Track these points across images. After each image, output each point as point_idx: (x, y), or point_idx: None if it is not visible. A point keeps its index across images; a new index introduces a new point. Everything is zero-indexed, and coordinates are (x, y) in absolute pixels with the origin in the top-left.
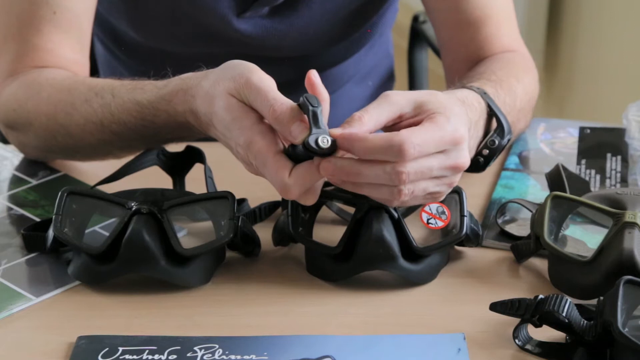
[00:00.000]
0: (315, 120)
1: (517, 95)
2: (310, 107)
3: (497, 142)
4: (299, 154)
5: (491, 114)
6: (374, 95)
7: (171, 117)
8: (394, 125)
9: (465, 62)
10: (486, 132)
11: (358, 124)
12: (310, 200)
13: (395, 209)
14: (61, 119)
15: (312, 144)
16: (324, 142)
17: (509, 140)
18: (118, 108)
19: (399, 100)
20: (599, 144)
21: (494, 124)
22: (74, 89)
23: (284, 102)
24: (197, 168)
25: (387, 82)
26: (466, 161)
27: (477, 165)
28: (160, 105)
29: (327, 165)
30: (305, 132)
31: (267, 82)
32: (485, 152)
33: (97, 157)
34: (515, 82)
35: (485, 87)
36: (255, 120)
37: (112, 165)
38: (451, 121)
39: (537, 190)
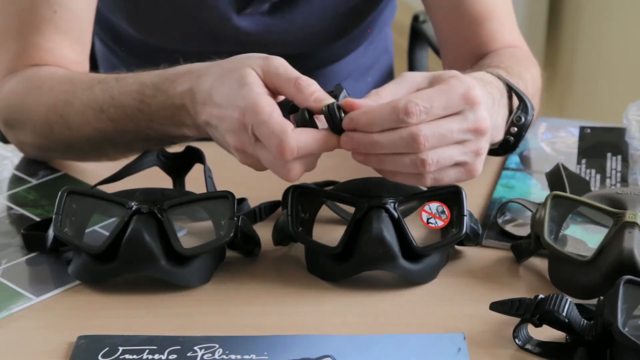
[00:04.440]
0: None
1: (527, 83)
2: (345, 91)
3: (523, 118)
4: (309, 122)
5: (510, 92)
6: None
7: (168, 99)
8: None
9: (468, 58)
10: (509, 111)
11: (375, 97)
12: (294, 172)
13: (395, 209)
14: (60, 108)
15: (336, 109)
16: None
17: (532, 117)
18: (120, 90)
19: (415, 77)
20: (599, 144)
21: (515, 102)
22: (77, 80)
23: (311, 79)
24: (197, 168)
25: (386, 79)
26: (486, 123)
27: (508, 145)
28: (163, 85)
29: (346, 139)
30: (330, 99)
31: (289, 65)
32: (514, 130)
33: (91, 154)
34: (524, 70)
35: (498, 71)
36: (266, 92)
37: (112, 165)
38: (464, 82)
39: (537, 190)
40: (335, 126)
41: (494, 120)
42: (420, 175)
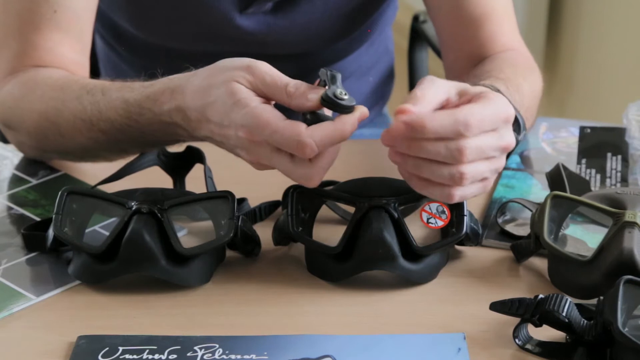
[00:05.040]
0: (333, 80)
1: (524, 94)
2: (329, 72)
3: (515, 137)
4: (315, 119)
5: None
6: (374, 91)
7: (156, 117)
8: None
9: (468, 59)
10: None
11: (422, 101)
12: (316, 179)
13: (395, 209)
14: (52, 116)
15: (331, 95)
16: (342, 94)
17: (524, 136)
18: (106, 105)
19: (444, 84)
20: (599, 144)
21: None
22: (67, 87)
23: (298, 80)
24: (197, 168)
25: (387, 78)
26: (513, 142)
27: None
28: (146, 103)
29: (387, 135)
30: (322, 90)
31: (274, 69)
32: None
33: (88, 159)
34: (522, 80)
35: (497, 84)
36: (261, 102)
37: (112, 165)
38: (501, 99)
39: (538, 190)
40: (341, 108)
41: None
42: (450, 188)
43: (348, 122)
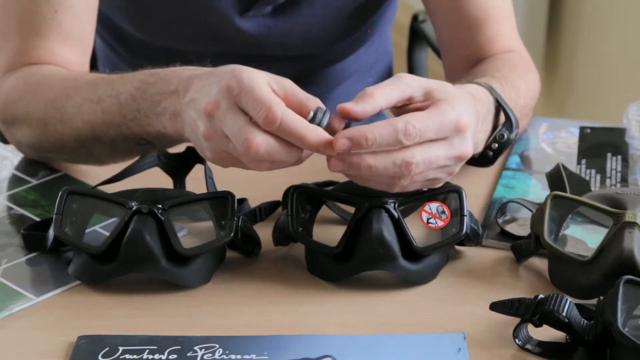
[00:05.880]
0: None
1: (520, 92)
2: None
3: (505, 135)
4: None
5: (499, 108)
6: None
7: (166, 86)
8: (401, 107)
9: (466, 61)
10: (494, 126)
11: (370, 99)
12: (253, 147)
13: (395, 209)
14: (59, 102)
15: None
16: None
17: (516, 134)
18: (122, 80)
19: (411, 82)
20: (599, 144)
21: (502, 118)
22: (81, 77)
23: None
24: (197, 168)
25: (386, 79)
26: (469, 150)
27: (487, 159)
28: (165, 73)
29: (337, 162)
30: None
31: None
32: (495, 146)
33: (80, 153)
34: (518, 79)
35: (491, 82)
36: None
37: (112, 166)
38: (455, 108)
39: (538, 190)
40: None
41: (475, 139)
42: (391, 186)
43: (315, 135)
